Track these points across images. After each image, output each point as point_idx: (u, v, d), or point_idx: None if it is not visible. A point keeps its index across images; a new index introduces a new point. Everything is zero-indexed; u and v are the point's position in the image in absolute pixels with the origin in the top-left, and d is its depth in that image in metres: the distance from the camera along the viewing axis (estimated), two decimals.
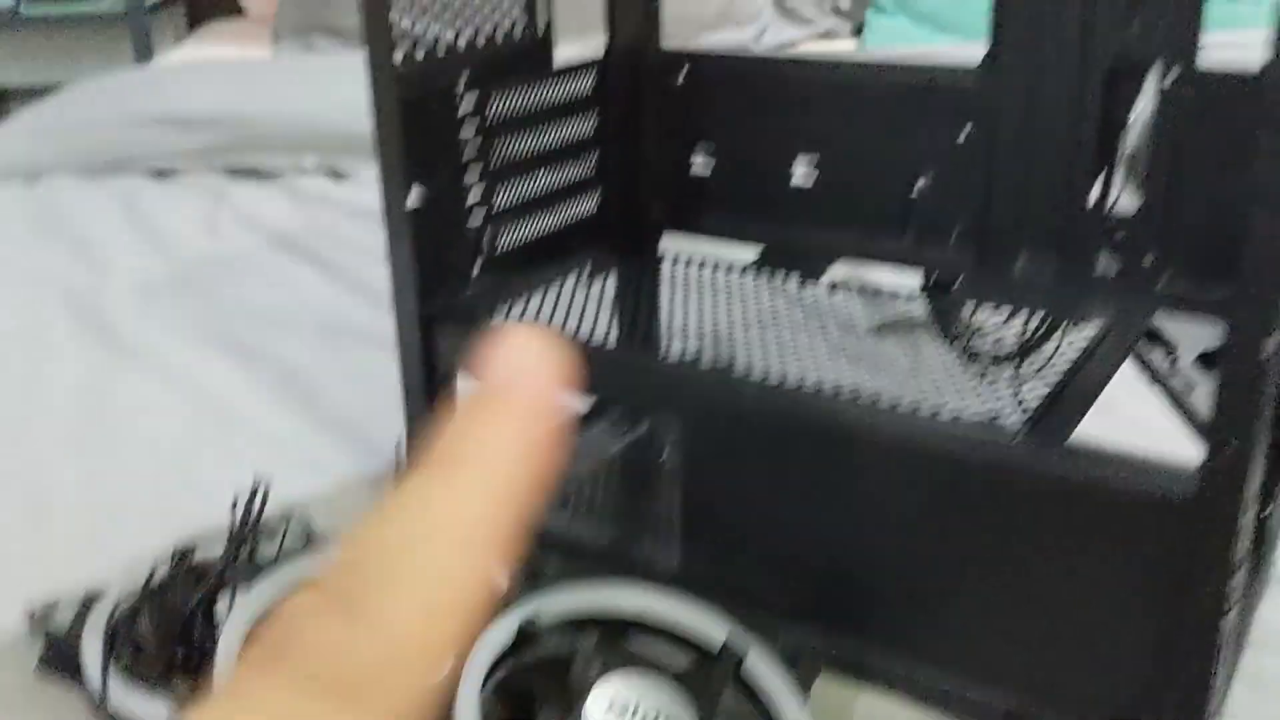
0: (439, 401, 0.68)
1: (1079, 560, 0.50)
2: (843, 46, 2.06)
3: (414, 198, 0.65)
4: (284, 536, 0.61)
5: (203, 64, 1.86)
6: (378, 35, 0.63)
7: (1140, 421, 0.82)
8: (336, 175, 1.37)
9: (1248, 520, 0.48)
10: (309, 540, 0.63)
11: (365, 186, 1.34)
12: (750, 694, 0.56)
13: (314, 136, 1.40)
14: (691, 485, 0.61)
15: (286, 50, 2.06)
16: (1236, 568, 0.48)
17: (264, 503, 0.60)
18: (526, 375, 0.20)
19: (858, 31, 2.08)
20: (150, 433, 0.83)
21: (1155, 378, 0.89)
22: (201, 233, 1.22)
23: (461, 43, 0.69)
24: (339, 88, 1.34)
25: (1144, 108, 0.64)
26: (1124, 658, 0.51)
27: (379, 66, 0.64)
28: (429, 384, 0.67)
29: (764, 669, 0.55)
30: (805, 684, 0.55)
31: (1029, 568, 0.52)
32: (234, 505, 0.60)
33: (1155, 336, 0.94)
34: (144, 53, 2.36)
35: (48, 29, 2.45)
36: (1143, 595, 0.49)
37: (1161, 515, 0.48)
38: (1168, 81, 0.61)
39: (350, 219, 1.25)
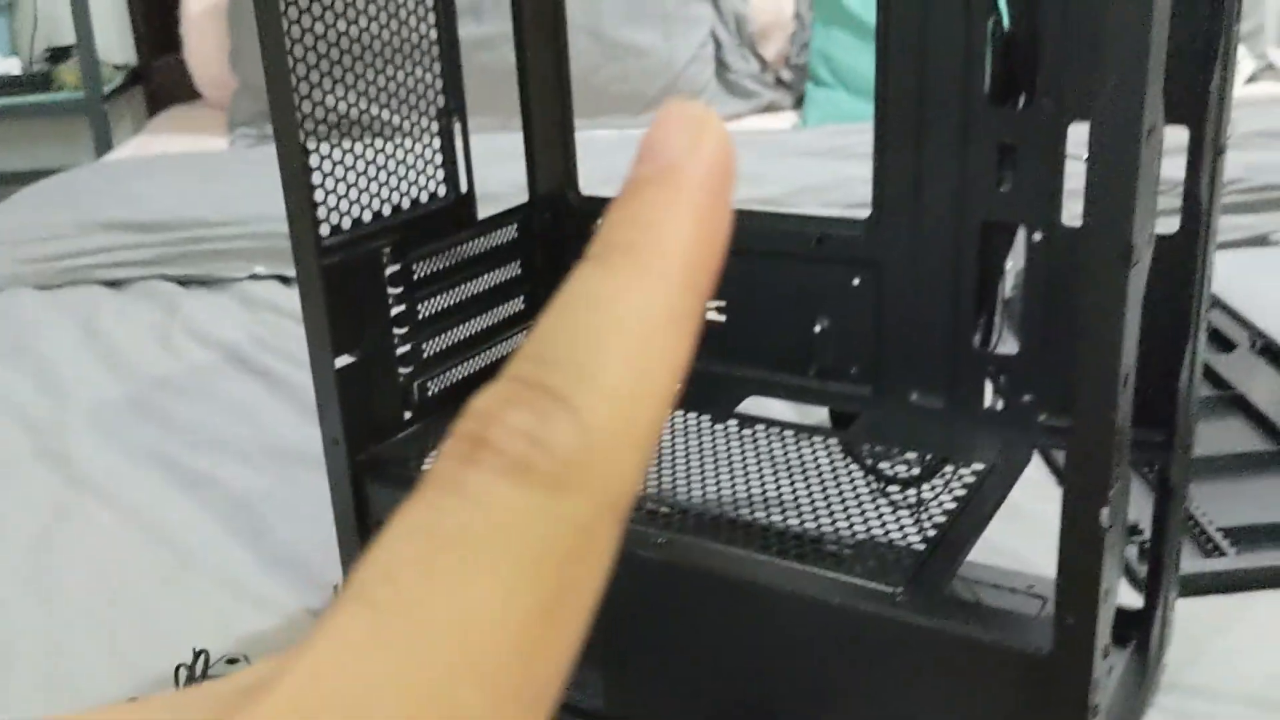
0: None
1: (956, 705, 0.55)
2: (784, 119, 2.12)
3: (342, 359, 0.70)
4: None
5: (158, 160, 1.90)
6: (301, 212, 0.68)
7: (1045, 523, 0.87)
8: (287, 281, 1.41)
9: (1103, 669, 0.52)
10: None
11: None
12: None
13: (267, 238, 1.44)
14: (605, 634, 0.65)
15: (243, 138, 2.10)
16: (1094, 713, 0.52)
17: (205, 668, 0.63)
18: (695, 151, 0.19)
19: (799, 103, 2.15)
20: (106, 570, 0.87)
21: (1061, 478, 0.94)
22: (156, 348, 1.25)
23: (386, 210, 0.73)
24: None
25: (1017, 259, 0.69)
26: None
27: (303, 242, 0.68)
28: (363, 532, 0.71)
29: None
30: None
31: (915, 710, 0.56)
32: (176, 672, 0.63)
33: (1063, 432, 0.99)
34: (103, 142, 2.40)
35: (7, 118, 2.49)
36: None
37: (1023, 667, 0.53)
38: (1034, 237, 0.67)
39: (301, 327, 1.29)
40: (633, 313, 0.18)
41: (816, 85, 2.09)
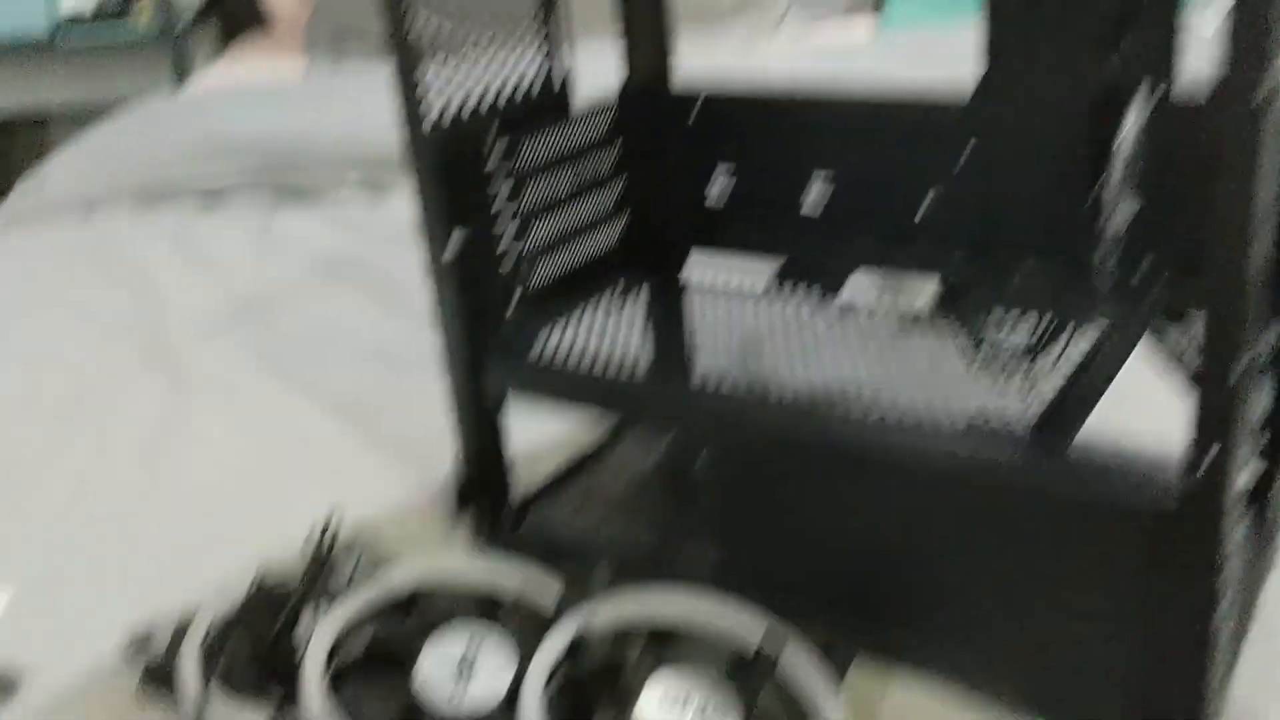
0: (486, 425, 0.73)
1: (1078, 562, 0.55)
2: (864, 24, 2.08)
3: (453, 249, 0.71)
4: (356, 565, 0.66)
5: (237, 87, 1.92)
6: (411, 104, 0.68)
7: (1157, 405, 0.86)
8: (378, 189, 1.43)
9: (1232, 523, 0.52)
10: (376, 565, 0.69)
11: (407, 203, 1.40)
12: (787, 686, 0.61)
13: (354, 156, 1.46)
14: (722, 495, 0.66)
15: (318, 61, 2.11)
16: (1222, 569, 0.52)
17: (335, 535, 0.65)
18: None
19: (879, 5, 2.11)
20: (221, 462, 0.90)
21: (1173, 358, 0.93)
22: (252, 261, 1.28)
23: (488, 100, 0.74)
24: (373, 105, 1.39)
25: (1132, 125, 0.67)
26: (1123, 656, 0.55)
27: (414, 132, 0.69)
28: (478, 417, 0.73)
29: (799, 662, 0.60)
30: (839, 672, 0.60)
31: (1031, 568, 0.57)
32: (307, 538, 0.65)
33: (1175, 314, 0.97)
34: (181, 73, 2.43)
35: (86, 54, 2.53)
36: (1137, 596, 0.54)
37: (1151, 521, 0.52)
38: (1151, 102, 0.65)
39: (394, 237, 1.30)
40: None
41: None
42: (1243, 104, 0.44)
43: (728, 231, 0.85)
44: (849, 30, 2.04)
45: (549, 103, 0.79)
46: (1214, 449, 0.50)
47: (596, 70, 0.85)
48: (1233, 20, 0.43)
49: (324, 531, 0.65)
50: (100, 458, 0.91)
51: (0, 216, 1.54)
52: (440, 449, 0.82)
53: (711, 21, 2.04)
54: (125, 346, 1.10)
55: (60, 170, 1.60)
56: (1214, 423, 0.49)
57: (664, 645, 0.64)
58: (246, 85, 1.93)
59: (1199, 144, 0.61)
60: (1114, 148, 0.69)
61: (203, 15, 2.57)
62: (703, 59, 1.72)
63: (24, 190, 1.60)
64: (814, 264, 0.80)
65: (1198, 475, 0.50)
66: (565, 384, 0.70)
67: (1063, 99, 0.68)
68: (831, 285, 0.78)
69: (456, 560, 0.74)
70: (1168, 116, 0.64)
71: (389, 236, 1.30)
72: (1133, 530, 0.53)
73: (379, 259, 1.24)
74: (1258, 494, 0.68)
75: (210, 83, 2.09)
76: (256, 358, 1.06)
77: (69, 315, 1.18)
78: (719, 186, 0.84)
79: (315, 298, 1.18)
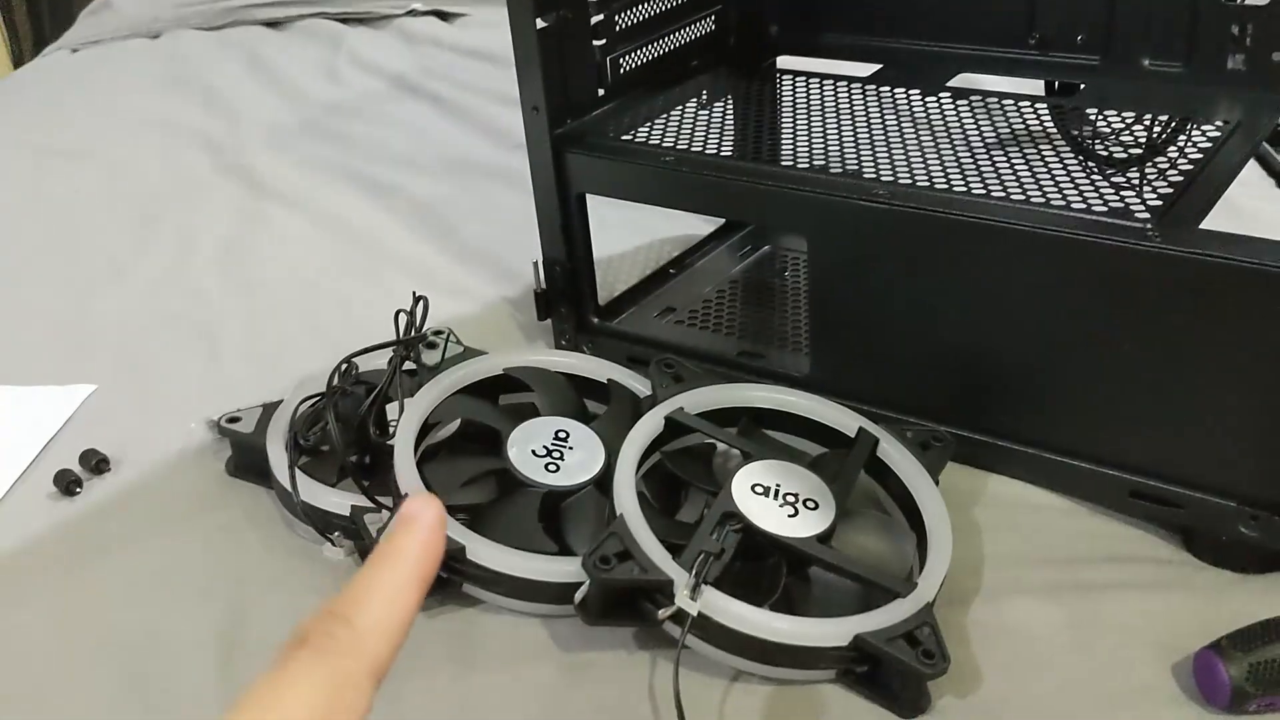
0: (571, 220, 0.71)
1: (1206, 341, 0.52)
2: None
3: (541, 20, 0.67)
4: (446, 344, 0.65)
5: None
6: None
7: (1267, 221, 0.82)
8: (445, 16, 1.39)
9: None
10: (464, 352, 0.68)
11: (475, 28, 1.36)
12: (883, 479, 0.59)
13: None
14: (818, 295, 0.63)
15: None
16: None
17: (425, 313, 0.64)
18: (414, 524, 0.34)
19: None
20: (301, 263, 0.89)
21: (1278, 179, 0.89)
22: (323, 79, 1.26)
23: None
24: None
25: None
26: (1249, 436, 0.53)
27: None
28: (562, 205, 0.71)
29: (896, 453, 0.58)
30: (935, 469, 0.58)
31: (1156, 351, 0.54)
32: (396, 316, 0.64)
33: None
34: None
35: None
36: (1270, 373, 0.51)
37: None
38: None
39: (463, 59, 1.27)
40: (388, 580, 0.32)
41: None
42: None
43: (822, 32, 0.81)
44: None
45: None
46: None
47: None
48: None
49: (413, 310, 0.64)
50: (178, 260, 0.91)
51: (69, 40, 1.52)
52: (514, 255, 0.81)
53: None
54: (200, 156, 1.09)
55: None
56: None
57: (758, 433, 0.63)
58: None
59: None
60: None
61: None
62: None
63: (91, 13, 1.58)
64: (913, 68, 0.75)
65: None
66: (649, 178, 0.68)
67: None
68: (931, 90, 0.74)
69: (546, 351, 0.73)
70: None
71: (459, 57, 1.27)
72: (1268, 301, 0.50)
73: (450, 79, 1.21)
74: None
75: None
76: (330, 168, 1.04)
77: (143, 126, 1.17)
78: None
79: (387, 114, 1.16)
